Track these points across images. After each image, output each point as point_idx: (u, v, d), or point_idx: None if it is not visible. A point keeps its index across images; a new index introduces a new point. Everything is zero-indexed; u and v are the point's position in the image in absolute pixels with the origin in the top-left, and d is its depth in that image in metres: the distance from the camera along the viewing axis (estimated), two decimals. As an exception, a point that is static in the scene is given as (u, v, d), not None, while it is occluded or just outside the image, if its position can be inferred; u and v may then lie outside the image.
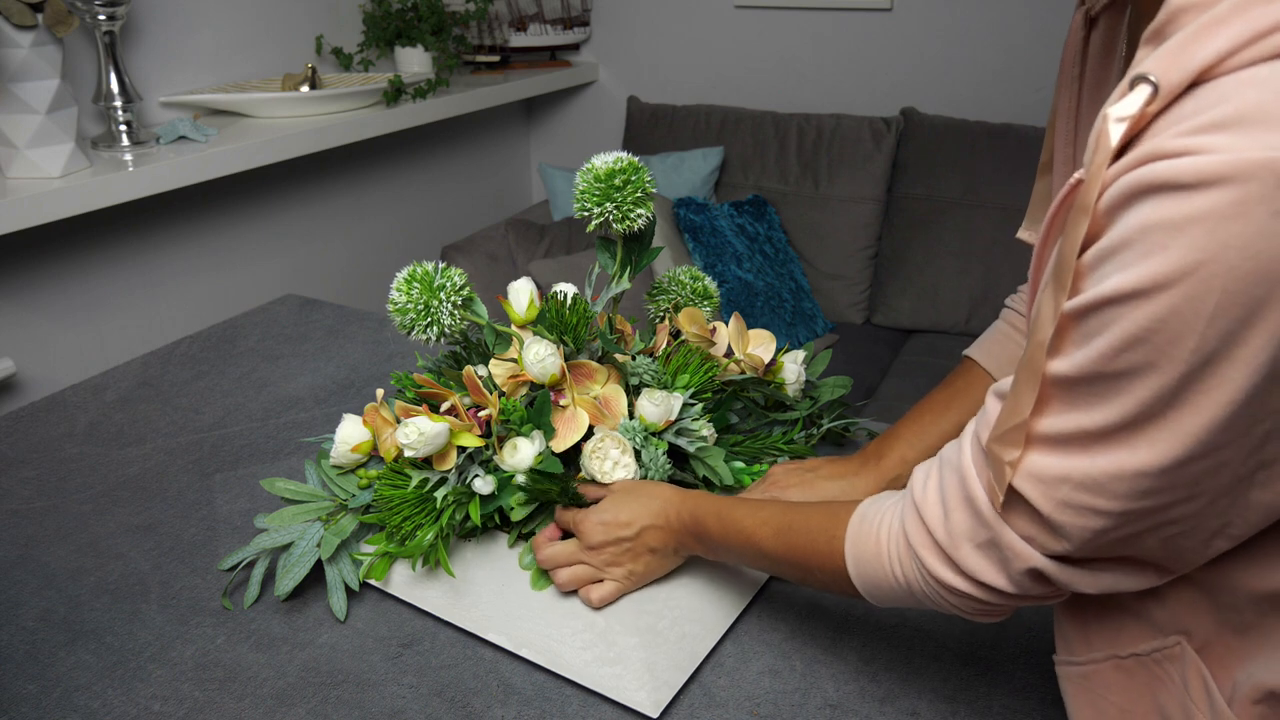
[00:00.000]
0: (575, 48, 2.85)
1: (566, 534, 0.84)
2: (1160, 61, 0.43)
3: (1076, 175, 0.46)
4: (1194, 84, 0.42)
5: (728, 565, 0.85)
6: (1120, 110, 0.43)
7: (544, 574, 0.83)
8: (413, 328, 0.85)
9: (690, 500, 0.78)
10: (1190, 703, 0.53)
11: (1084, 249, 0.45)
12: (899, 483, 0.86)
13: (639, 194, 0.85)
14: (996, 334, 0.87)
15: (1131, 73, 0.44)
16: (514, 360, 0.87)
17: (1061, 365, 0.47)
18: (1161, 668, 0.54)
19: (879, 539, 0.61)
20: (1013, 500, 0.51)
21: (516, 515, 0.84)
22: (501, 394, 0.86)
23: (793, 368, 0.97)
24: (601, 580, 0.81)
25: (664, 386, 0.90)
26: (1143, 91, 0.43)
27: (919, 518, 0.57)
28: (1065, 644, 0.60)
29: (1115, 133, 0.43)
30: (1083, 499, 0.47)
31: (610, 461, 0.84)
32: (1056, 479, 0.48)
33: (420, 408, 0.86)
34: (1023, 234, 0.78)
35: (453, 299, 0.85)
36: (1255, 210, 0.38)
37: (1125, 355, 0.43)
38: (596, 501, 0.83)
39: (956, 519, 0.55)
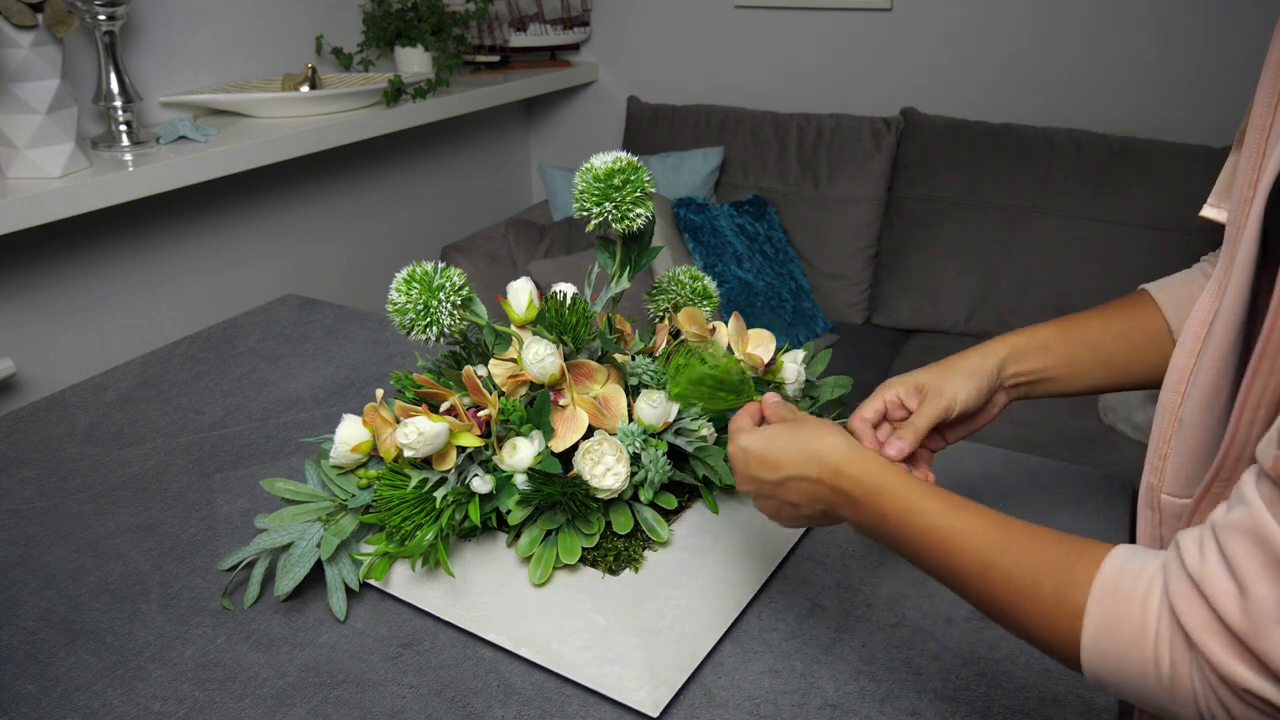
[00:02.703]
0: (575, 48, 2.85)
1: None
2: None
3: None
4: None
5: (728, 565, 0.85)
6: None
7: (545, 567, 0.83)
8: (412, 328, 0.85)
9: (861, 462, 0.61)
10: None
11: None
12: (1008, 372, 0.76)
13: (638, 194, 0.85)
14: (1181, 276, 0.76)
15: None
16: (514, 360, 0.87)
17: None
18: None
19: (1145, 609, 0.46)
20: None
21: (514, 519, 0.84)
22: (501, 394, 0.87)
23: (792, 367, 0.97)
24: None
25: (663, 386, 0.90)
26: None
27: (1198, 596, 0.44)
28: None
29: None
30: None
31: (603, 466, 0.84)
32: None
33: (420, 408, 0.86)
34: (1208, 211, 0.68)
35: (452, 299, 0.85)
36: None
37: None
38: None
39: (1259, 593, 0.42)
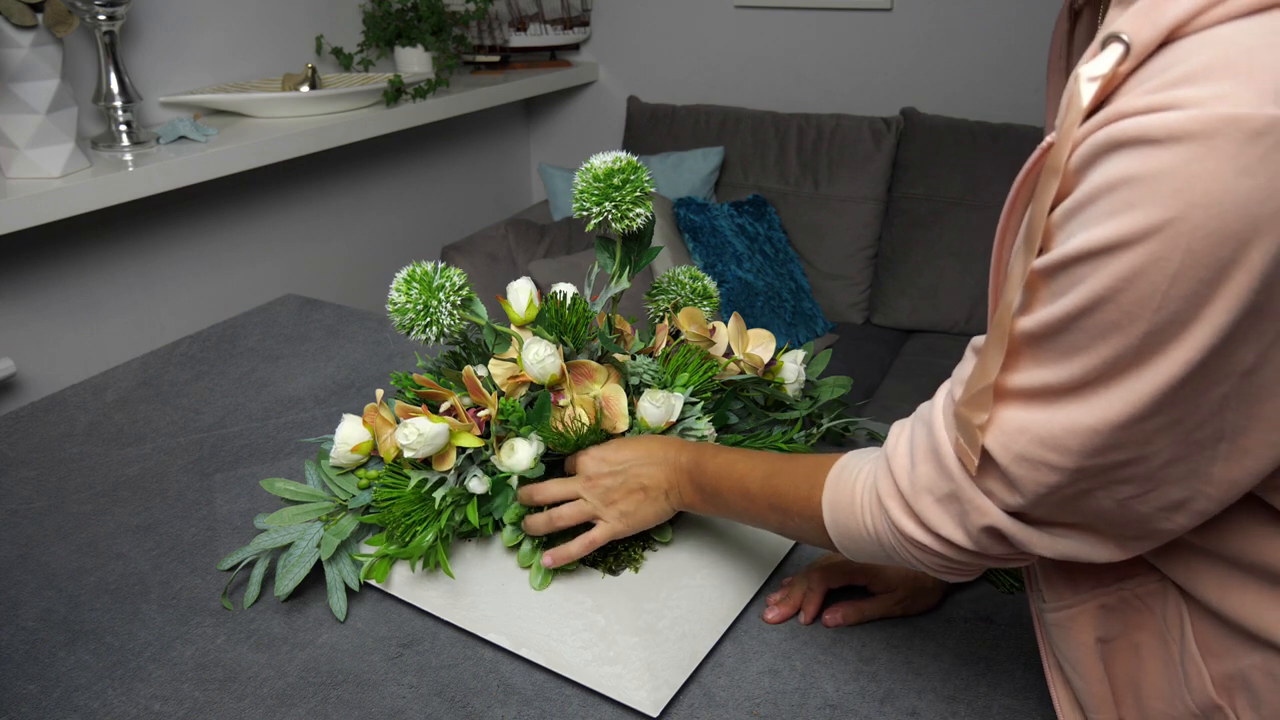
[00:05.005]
0: (575, 48, 2.85)
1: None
2: (1132, 20, 0.42)
3: (1047, 139, 0.45)
4: (1165, 42, 0.41)
5: (727, 565, 0.85)
6: (1092, 70, 0.42)
7: (545, 572, 0.83)
8: (412, 328, 0.85)
9: (690, 446, 0.81)
10: (1166, 631, 0.54)
11: (1053, 208, 0.45)
12: None
13: (637, 193, 0.84)
14: None
15: (1103, 32, 0.43)
16: (513, 360, 0.87)
17: (1029, 321, 0.46)
18: (1143, 602, 0.55)
19: (854, 489, 0.61)
20: None
21: (509, 540, 0.85)
22: (501, 394, 0.86)
23: (792, 367, 0.97)
24: (597, 521, 0.82)
25: (664, 386, 0.90)
26: (1115, 50, 0.42)
27: (888, 469, 0.58)
28: (1050, 589, 0.60)
29: (1087, 92, 0.42)
30: (1038, 453, 0.47)
31: None
32: (1016, 431, 0.48)
33: (420, 408, 0.86)
34: None
35: (452, 299, 0.85)
36: (1222, 167, 0.38)
37: (1091, 312, 0.43)
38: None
39: (921, 470, 0.55)
